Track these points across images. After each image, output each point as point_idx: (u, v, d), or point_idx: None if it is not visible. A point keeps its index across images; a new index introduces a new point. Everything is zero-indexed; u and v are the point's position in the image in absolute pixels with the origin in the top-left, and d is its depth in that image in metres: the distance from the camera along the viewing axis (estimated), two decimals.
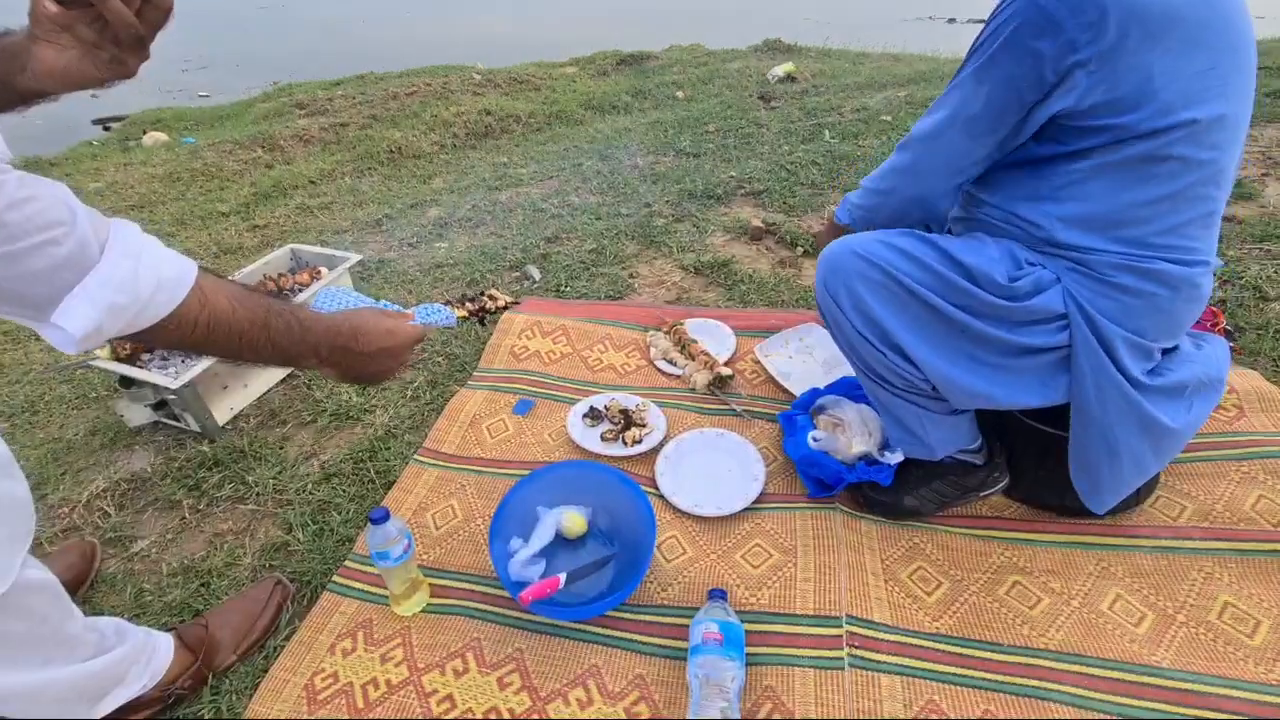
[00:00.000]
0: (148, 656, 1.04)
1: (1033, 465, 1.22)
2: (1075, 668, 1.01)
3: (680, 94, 4.48)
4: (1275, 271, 1.79)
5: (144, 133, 4.73)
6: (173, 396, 1.56)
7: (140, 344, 0.67)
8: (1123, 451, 1.05)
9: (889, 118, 3.36)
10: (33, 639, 0.86)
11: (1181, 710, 0.94)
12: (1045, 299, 0.99)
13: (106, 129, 5.51)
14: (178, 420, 1.65)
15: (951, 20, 9.05)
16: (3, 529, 0.80)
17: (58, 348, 0.62)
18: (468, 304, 1.23)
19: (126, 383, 1.63)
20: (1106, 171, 0.95)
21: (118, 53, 0.68)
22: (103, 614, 1.04)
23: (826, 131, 3.27)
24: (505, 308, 1.34)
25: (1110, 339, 0.98)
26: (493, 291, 1.29)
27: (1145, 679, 0.98)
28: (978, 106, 0.97)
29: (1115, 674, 0.99)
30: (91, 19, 0.66)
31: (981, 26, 0.98)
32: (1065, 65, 0.88)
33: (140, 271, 0.63)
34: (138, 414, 1.66)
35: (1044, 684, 0.99)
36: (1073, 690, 0.98)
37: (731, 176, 2.85)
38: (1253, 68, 0.95)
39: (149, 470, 1.57)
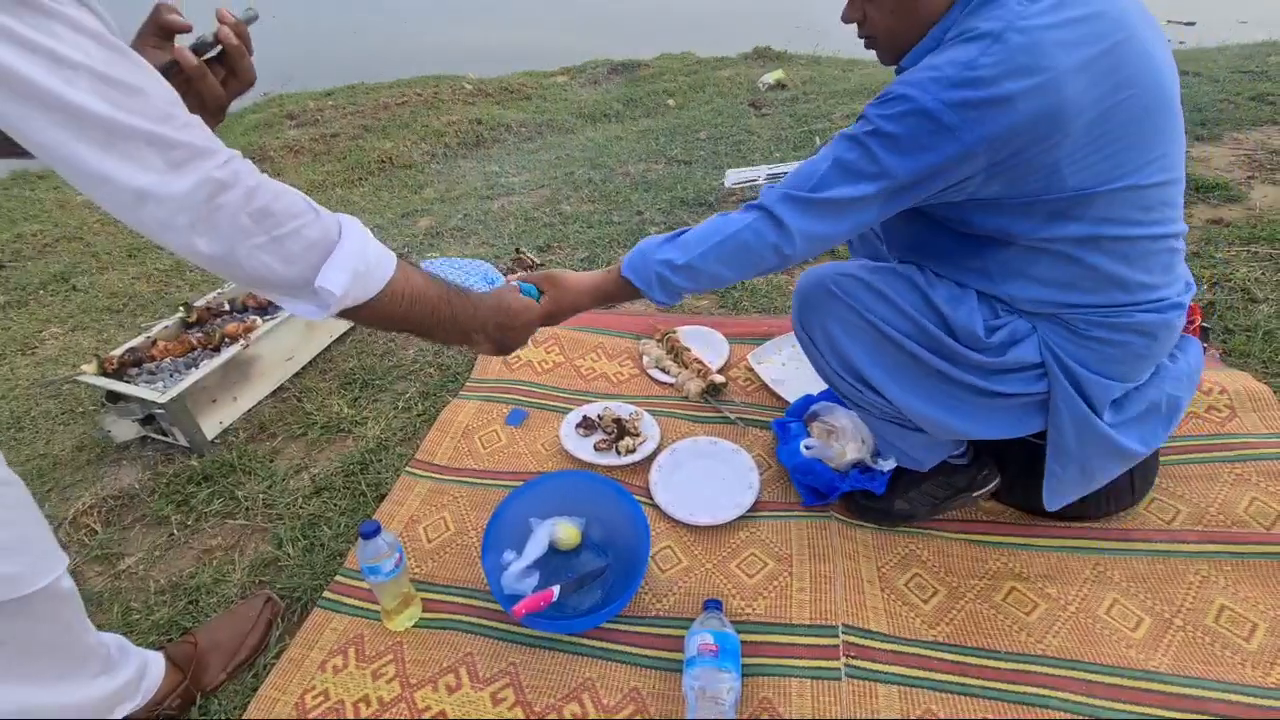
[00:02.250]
0: (140, 675, 1.03)
1: (1022, 472, 1.21)
2: (1073, 674, 1.00)
3: (671, 102, 4.50)
4: (1263, 273, 1.80)
5: None
6: (160, 411, 1.54)
7: (360, 320, 0.79)
8: (1097, 476, 1.07)
9: None
10: (57, 649, 0.87)
11: (1179, 716, 0.93)
12: (1021, 350, 0.98)
13: None
14: (166, 435, 1.63)
15: None
16: (40, 523, 0.83)
17: (310, 317, 0.73)
18: (518, 270, 1.26)
19: (113, 398, 1.61)
20: (1041, 254, 0.92)
21: (203, 117, 0.76)
22: None
23: (817, 138, 3.28)
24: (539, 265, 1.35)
25: (1086, 385, 0.98)
26: (521, 252, 1.31)
27: (1143, 684, 0.98)
28: (865, 211, 0.91)
29: (1113, 679, 0.99)
30: (185, 89, 0.75)
31: (869, 113, 0.90)
32: (963, 173, 0.85)
33: (366, 248, 0.73)
34: (125, 429, 1.64)
35: (1042, 690, 0.98)
36: (1071, 697, 0.97)
37: (723, 184, 2.85)
38: (1176, 113, 0.91)
39: (136, 486, 1.55)
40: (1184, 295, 1.00)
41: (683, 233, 1.05)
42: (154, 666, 1.06)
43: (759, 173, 2.51)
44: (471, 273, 1.08)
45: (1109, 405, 1.00)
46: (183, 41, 0.76)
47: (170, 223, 0.61)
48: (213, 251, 0.64)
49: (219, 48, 0.76)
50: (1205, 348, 1.26)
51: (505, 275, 1.13)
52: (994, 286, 1.00)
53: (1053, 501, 1.10)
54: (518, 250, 1.31)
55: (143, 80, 0.59)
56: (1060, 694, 0.98)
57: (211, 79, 0.76)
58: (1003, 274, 0.98)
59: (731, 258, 0.99)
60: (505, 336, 0.99)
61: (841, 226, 0.93)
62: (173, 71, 0.73)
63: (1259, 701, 0.94)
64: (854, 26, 1.02)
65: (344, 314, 0.75)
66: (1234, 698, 0.95)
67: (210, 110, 0.78)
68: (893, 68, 1.02)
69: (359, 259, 0.72)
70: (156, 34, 0.75)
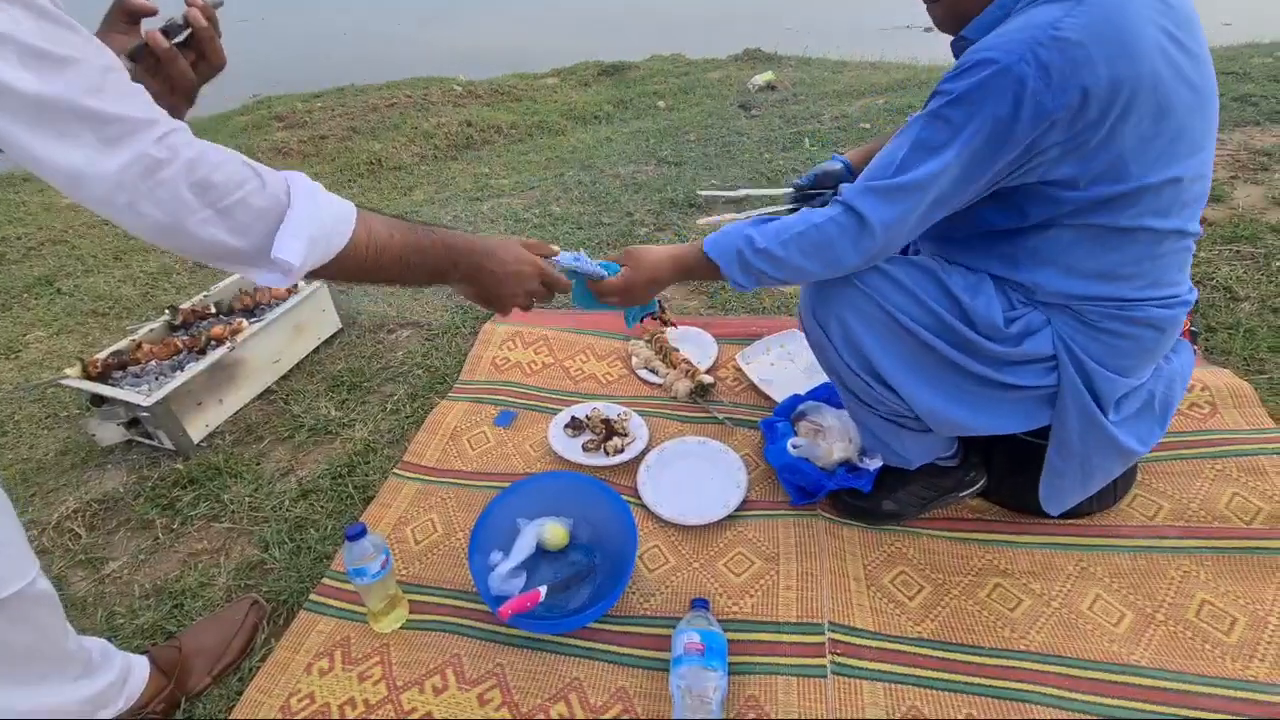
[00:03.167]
0: (124, 679, 1.02)
1: (1011, 471, 1.23)
2: (1056, 669, 1.01)
3: (661, 103, 4.51)
4: (1245, 272, 1.82)
5: None
6: (145, 414, 1.53)
7: (328, 277, 0.77)
8: (1096, 474, 1.09)
9: (868, 125, 3.39)
10: (34, 652, 0.86)
11: (1162, 709, 0.94)
12: (1035, 342, 0.98)
13: None
14: (151, 438, 1.62)
15: (929, 29, 9.18)
16: (15, 528, 0.82)
17: (273, 285, 0.72)
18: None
19: (98, 401, 1.60)
20: (1080, 240, 0.93)
21: (170, 100, 0.75)
22: None
23: (807, 139, 3.29)
24: None
25: (1095, 380, 0.98)
26: None
27: (1125, 678, 0.99)
28: (946, 184, 0.88)
29: (1095, 674, 0.99)
30: (154, 72, 0.75)
31: (944, 88, 0.88)
32: (1041, 144, 0.83)
33: (320, 208, 0.71)
34: (109, 433, 1.63)
35: (1025, 686, 0.99)
36: (1054, 691, 0.98)
37: (713, 184, 2.86)
38: (1216, 111, 0.92)
39: (121, 490, 1.54)
40: (1190, 294, 1.01)
41: (771, 219, 1.03)
42: (138, 670, 1.05)
43: (728, 194, 2.54)
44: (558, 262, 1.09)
45: (1113, 403, 1.01)
46: (151, 25, 0.75)
47: (110, 201, 0.59)
48: (160, 229, 0.62)
49: (188, 30, 0.75)
50: (1195, 351, 1.28)
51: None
52: (1018, 273, 0.99)
53: (1052, 504, 1.11)
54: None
55: (75, 49, 0.56)
56: (1043, 689, 0.98)
57: (182, 62, 0.75)
58: (1032, 262, 0.97)
59: (814, 250, 0.96)
60: (484, 279, 0.92)
61: (921, 209, 0.90)
62: (142, 55, 0.72)
63: (1238, 694, 0.95)
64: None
65: (311, 274, 0.74)
66: (1214, 690, 0.96)
67: (180, 93, 0.76)
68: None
69: (313, 223, 0.69)
70: (124, 18, 0.74)
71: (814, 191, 1.41)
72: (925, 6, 1.01)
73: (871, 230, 0.92)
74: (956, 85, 0.85)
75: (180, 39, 0.75)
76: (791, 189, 1.47)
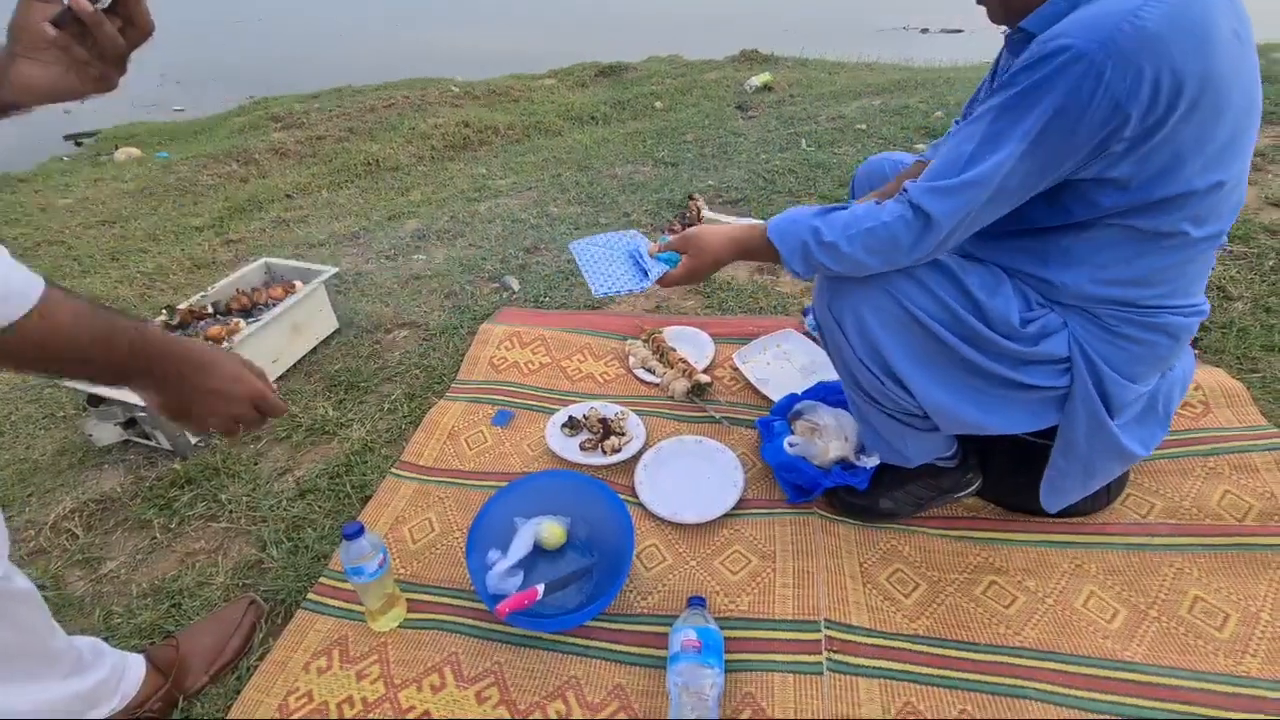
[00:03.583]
0: (118, 678, 1.02)
1: (1009, 471, 1.23)
2: (1050, 665, 1.02)
3: (659, 104, 4.51)
4: (1237, 272, 1.84)
5: (115, 148, 4.66)
6: (143, 414, 1.53)
7: None
8: (1098, 475, 1.10)
9: (864, 126, 3.41)
10: (18, 650, 0.86)
11: (1155, 705, 0.95)
12: (1051, 344, 0.98)
13: (78, 144, 5.43)
14: (148, 438, 1.62)
15: (924, 30, 9.21)
16: None
17: None
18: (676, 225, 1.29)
19: (95, 401, 1.60)
20: (1116, 242, 0.91)
21: (102, 68, 0.72)
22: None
23: (803, 140, 3.30)
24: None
25: (1107, 384, 0.99)
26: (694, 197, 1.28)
27: (1119, 674, 0.99)
28: (1013, 178, 0.86)
29: (1090, 670, 1.00)
30: (81, 39, 0.71)
31: (1004, 77, 0.86)
32: (1113, 139, 0.81)
33: None
34: (107, 433, 1.63)
35: (1020, 682, 1.00)
36: (1048, 688, 0.99)
37: (710, 185, 2.87)
38: (1259, 117, 0.89)
39: (118, 490, 1.54)
40: (1205, 305, 1.01)
41: (834, 209, 1.00)
42: (133, 669, 1.05)
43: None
44: (616, 246, 1.08)
45: (1121, 408, 1.01)
46: None
47: None
48: None
49: None
50: (1196, 355, 1.29)
51: (667, 231, 1.13)
52: (1045, 270, 0.98)
53: (1052, 502, 1.12)
54: (690, 197, 1.29)
55: None
56: (1038, 684, 0.99)
57: (109, 27, 0.71)
58: (1062, 260, 0.96)
59: (879, 247, 0.94)
60: (186, 394, 0.78)
61: (981, 202, 0.87)
62: (67, 21, 0.69)
63: (1231, 689, 0.96)
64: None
65: None
66: (1207, 686, 0.96)
67: (110, 61, 0.73)
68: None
69: None
70: None
71: None
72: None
73: (938, 228, 0.90)
74: (1030, 76, 0.81)
75: (106, 4, 0.71)
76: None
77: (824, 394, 1.45)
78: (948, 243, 0.93)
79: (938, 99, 3.67)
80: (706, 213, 1.46)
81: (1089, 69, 0.77)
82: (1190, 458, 1.30)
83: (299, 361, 1.92)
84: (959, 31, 8.39)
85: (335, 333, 2.03)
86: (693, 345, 1.80)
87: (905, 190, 0.93)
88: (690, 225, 1.30)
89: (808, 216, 1.01)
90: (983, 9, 0.98)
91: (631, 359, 1.77)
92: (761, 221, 1.08)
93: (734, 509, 1.32)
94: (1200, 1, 0.78)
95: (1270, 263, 1.85)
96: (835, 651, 1.06)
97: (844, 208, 1.00)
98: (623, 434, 1.51)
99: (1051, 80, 0.79)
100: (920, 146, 2.96)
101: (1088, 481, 1.11)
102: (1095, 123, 0.79)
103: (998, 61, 1.12)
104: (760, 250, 1.07)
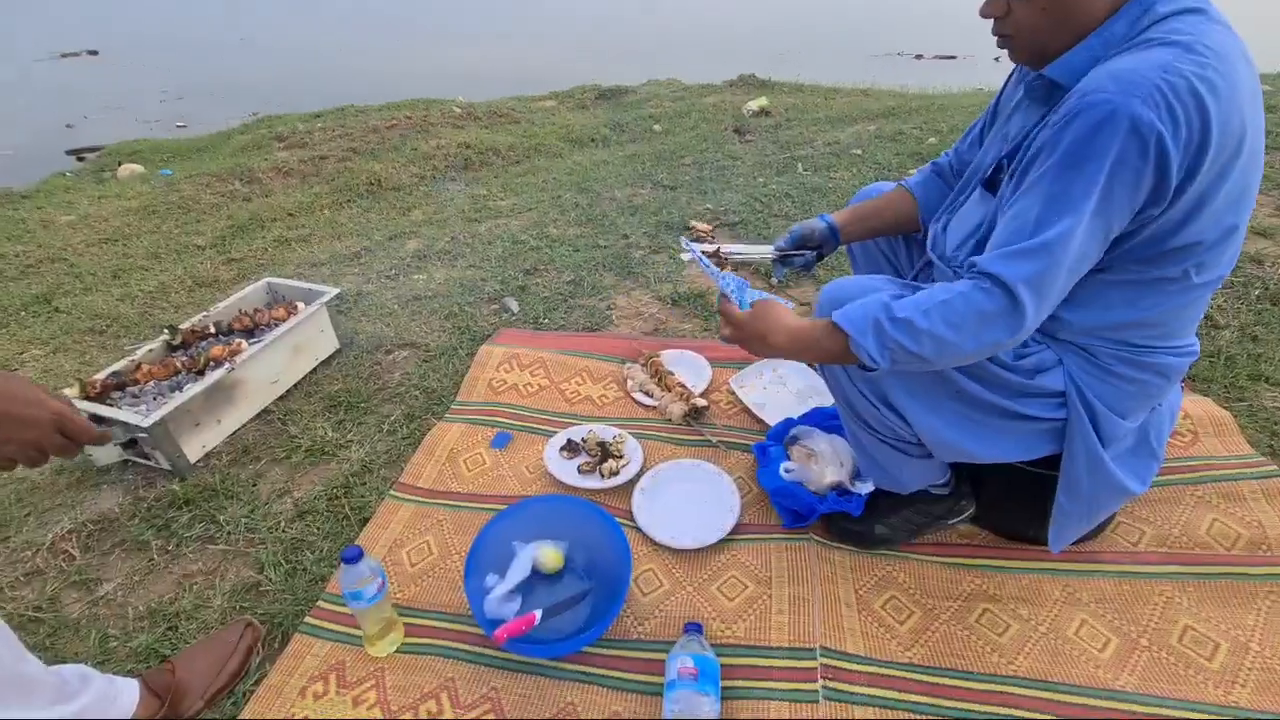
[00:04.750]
0: (108, 704, 1.02)
1: (1002, 497, 1.25)
2: (1043, 694, 1.03)
3: (657, 127, 4.58)
4: (1225, 300, 1.87)
5: (119, 164, 4.70)
6: (143, 435, 1.54)
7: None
8: (1099, 514, 1.12)
9: (860, 151, 3.46)
10: None
11: None
12: (1047, 378, 1.01)
13: (80, 159, 5.46)
14: (148, 459, 1.63)
15: (919, 56, 9.40)
16: None
17: None
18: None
19: (95, 421, 1.61)
20: (1122, 284, 0.93)
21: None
22: (65, 662, 1.02)
23: (800, 164, 3.36)
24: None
25: (1100, 421, 1.01)
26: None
27: (1111, 704, 1.00)
28: (1086, 238, 0.85)
29: (1081, 699, 1.01)
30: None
31: (1045, 134, 0.86)
32: (1155, 190, 0.81)
33: None
34: (106, 453, 1.64)
35: (1013, 711, 1.01)
36: (1041, 716, 1.00)
37: (707, 208, 2.91)
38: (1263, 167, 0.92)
39: (117, 510, 1.54)
40: (1196, 344, 1.04)
41: (912, 288, 0.98)
42: (125, 694, 1.05)
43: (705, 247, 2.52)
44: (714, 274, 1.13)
45: (1112, 443, 1.03)
46: None
47: None
48: None
49: None
50: (1183, 388, 1.31)
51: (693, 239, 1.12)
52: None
53: (1058, 543, 1.12)
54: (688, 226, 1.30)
55: None
56: (1031, 714, 1.00)
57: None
58: (1071, 300, 0.94)
59: (959, 320, 0.88)
60: None
61: (1065, 267, 0.86)
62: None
63: (1221, 719, 0.97)
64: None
65: None
66: (1197, 716, 0.98)
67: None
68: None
69: None
70: None
71: (793, 253, 1.38)
72: (995, 40, 0.98)
73: (1016, 293, 0.85)
74: (1074, 133, 0.82)
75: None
76: (773, 249, 1.42)
77: (820, 420, 1.46)
78: (1043, 307, 0.88)
79: (931, 125, 3.73)
80: (726, 247, 1.47)
81: (1140, 125, 0.77)
82: (1179, 485, 1.32)
83: (299, 382, 1.93)
84: (952, 58, 8.54)
85: (336, 353, 2.05)
86: (690, 369, 1.82)
87: (973, 264, 0.91)
88: (708, 254, 1.31)
89: (876, 297, 0.96)
90: (986, 40, 1.00)
91: (629, 382, 1.79)
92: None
93: (730, 534, 1.33)
94: (1229, 57, 0.81)
95: (1256, 292, 1.88)
96: (831, 679, 1.06)
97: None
98: (621, 457, 1.53)
99: (1104, 139, 0.80)
100: (913, 172, 3.01)
101: (1090, 520, 1.13)
102: (1151, 178, 0.80)
103: (1001, 94, 1.16)
104: (821, 340, 0.98)
